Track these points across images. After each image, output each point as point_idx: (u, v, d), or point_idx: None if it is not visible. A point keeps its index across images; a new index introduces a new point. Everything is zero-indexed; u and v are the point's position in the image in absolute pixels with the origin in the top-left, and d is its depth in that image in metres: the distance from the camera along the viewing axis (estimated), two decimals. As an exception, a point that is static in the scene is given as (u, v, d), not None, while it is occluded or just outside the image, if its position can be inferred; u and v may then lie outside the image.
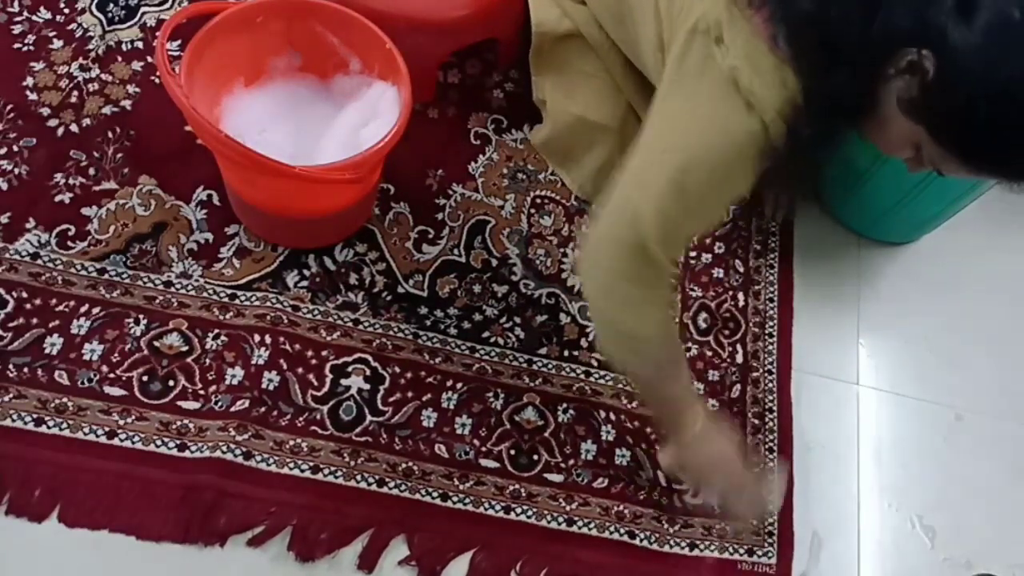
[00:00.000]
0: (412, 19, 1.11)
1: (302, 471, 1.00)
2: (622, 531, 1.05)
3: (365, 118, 1.09)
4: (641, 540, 1.05)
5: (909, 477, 1.17)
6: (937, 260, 1.36)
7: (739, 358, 1.20)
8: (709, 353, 1.20)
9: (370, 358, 1.09)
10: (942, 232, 1.34)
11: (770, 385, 1.19)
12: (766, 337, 1.23)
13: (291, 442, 1.01)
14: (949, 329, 1.30)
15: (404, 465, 1.03)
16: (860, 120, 0.81)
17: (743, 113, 0.80)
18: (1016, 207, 1.41)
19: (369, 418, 1.05)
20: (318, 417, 1.04)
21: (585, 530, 1.04)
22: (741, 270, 1.28)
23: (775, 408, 1.17)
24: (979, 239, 1.38)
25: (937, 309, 1.31)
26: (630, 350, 0.90)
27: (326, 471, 1.01)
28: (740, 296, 1.25)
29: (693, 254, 1.27)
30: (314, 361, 1.07)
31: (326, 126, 1.11)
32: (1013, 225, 1.42)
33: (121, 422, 0.99)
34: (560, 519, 1.04)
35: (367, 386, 1.07)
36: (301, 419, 1.03)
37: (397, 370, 1.09)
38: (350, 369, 1.07)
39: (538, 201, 1.26)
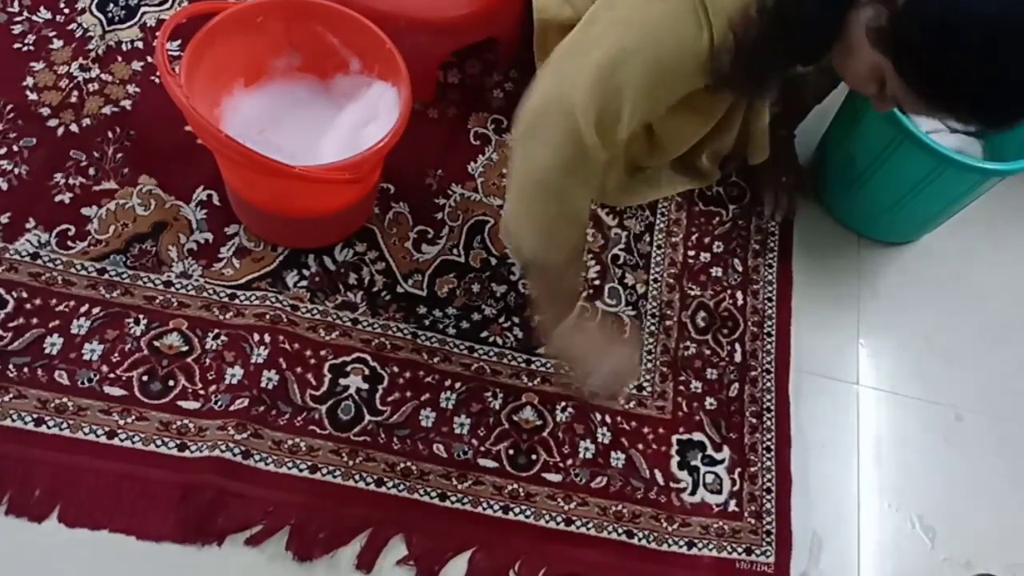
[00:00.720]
0: (412, 19, 1.11)
1: (300, 470, 1.00)
2: (620, 530, 1.05)
3: (365, 118, 1.09)
4: (639, 539, 1.05)
5: (909, 477, 1.17)
6: (937, 260, 1.36)
7: (737, 357, 1.20)
8: (707, 352, 1.20)
9: (369, 358, 1.09)
10: (942, 232, 1.34)
11: (768, 384, 1.19)
12: (764, 336, 1.23)
13: (289, 441, 1.01)
14: (949, 329, 1.30)
15: (402, 465, 1.03)
16: (826, 47, 0.83)
17: (695, 25, 0.82)
18: (1016, 207, 1.41)
19: (368, 418, 1.05)
20: (317, 416, 1.04)
21: (583, 529, 1.04)
22: (740, 269, 1.28)
23: (773, 407, 1.17)
24: (979, 239, 1.38)
25: (937, 309, 1.31)
26: (549, 235, 0.89)
27: (324, 470, 1.01)
28: (739, 295, 1.25)
29: (692, 253, 1.27)
30: (313, 361, 1.07)
31: (326, 126, 1.11)
32: (1013, 225, 1.42)
33: (121, 422, 0.99)
34: (558, 519, 1.04)
35: (366, 386, 1.07)
36: (300, 418, 1.03)
37: (396, 370, 1.09)
38: (349, 369, 1.07)
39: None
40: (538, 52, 1.19)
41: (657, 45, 0.83)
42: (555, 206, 0.87)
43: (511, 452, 1.07)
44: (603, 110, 0.83)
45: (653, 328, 1.20)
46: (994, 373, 1.27)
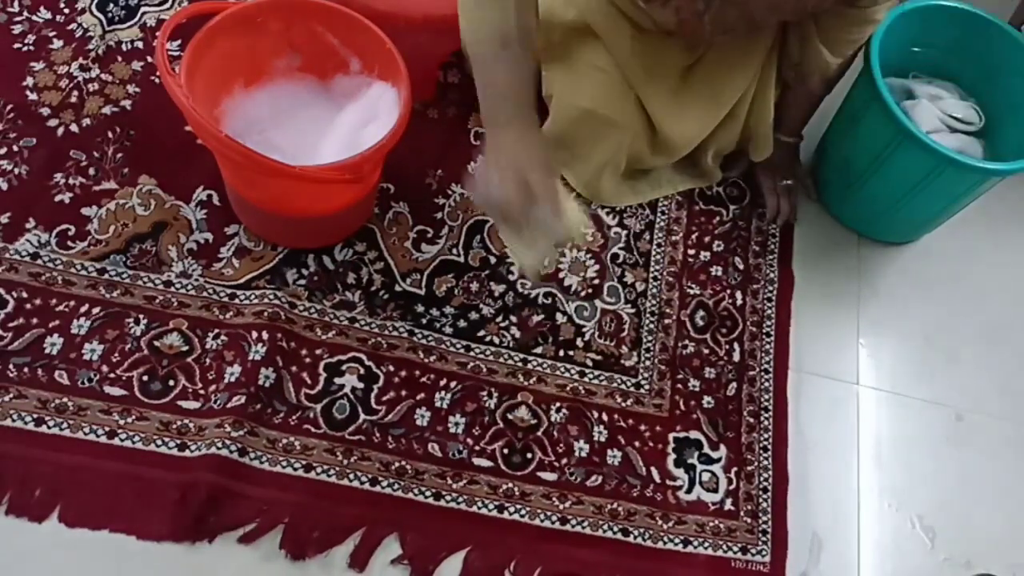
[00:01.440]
0: (411, 18, 1.11)
1: (295, 469, 1.00)
2: (616, 529, 1.05)
3: (365, 118, 1.09)
4: (635, 537, 1.05)
5: (909, 477, 1.17)
6: (937, 259, 1.36)
7: (736, 356, 1.20)
8: (706, 351, 1.20)
9: (364, 357, 1.08)
10: (942, 231, 1.34)
11: (766, 384, 1.19)
12: (763, 336, 1.23)
13: (284, 440, 1.01)
14: (949, 329, 1.30)
15: (397, 464, 1.03)
16: None
17: None
18: (1016, 207, 1.41)
19: (362, 417, 1.05)
20: (311, 415, 1.04)
21: (579, 528, 1.04)
22: (741, 267, 1.28)
23: (771, 407, 1.17)
24: (979, 239, 1.38)
25: (937, 308, 1.31)
26: (476, 6, 0.94)
27: (319, 469, 1.01)
28: (738, 295, 1.25)
29: (692, 252, 1.27)
30: (308, 360, 1.07)
31: (326, 126, 1.11)
32: (1013, 225, 1.42)
33: (121, 422, 0.99)
34: (554, 518, 1.04)
35: (361, 385, 1.07)
36: (294, 417, 1.03)
37: (391, 369, 1.09)
38: (344, 368, 1.07)
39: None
40: (543, 56, 1.19)
41: None
42: None
43: (506, 451, 1.07)
44: None
45: (652, 326, 1.20)
46: (994, 373, 1.27)
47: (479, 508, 1.03)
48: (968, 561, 1.12)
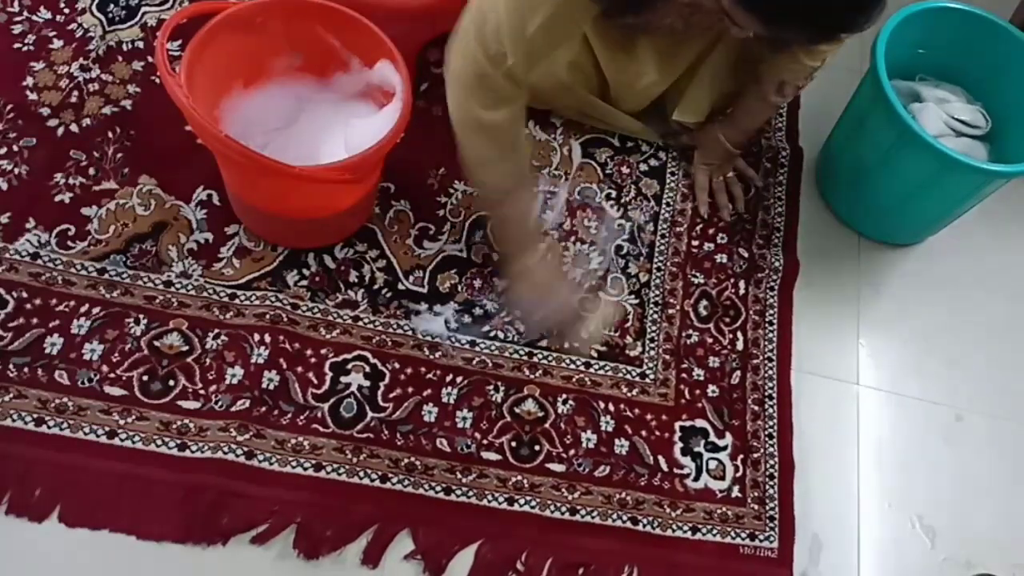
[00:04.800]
0: (389, 8, 1.11)
1: (304, 469, 1.00)
2: (625, 518, 1.05)
3: (365, 118, 1.09)
4: (644, 526, 1.05)
5: (909, 477, 1.17)
6: (938, 260, 1.36)
7: (739, 345, 1.20)
8: (710, 340, 1.20)
9: (369, 355, 1.09)
10: (944, 233, 1.34)
11: (770, 372, 1.19)
12: (766, 325, 1.23)
13: (292, 441, 1.01)
14: (949, 329, 1.30)
15: (406, 460, 1.03)
16: None
17: None
18: (1018, 209, 1.41)
19: (370, 415, 1.05)
20: (319, 415, 1.04)
21: (588, 518, 1.05)
22: (745, 255, 1.28)
23: (774, 395, 1.17)
24: (980, 240, 1.38)
25: (937, 309, 1.31)
26: (483, 164, 1.02)
27: (328, 468, 1.01)
28: (741, 284, 1.25)
29: (696, 243, 1.27)
30: (313, 360, 1.07)
31: (326, 126, 1.11)
32: (1014, 226, 1.42)
33: (121, 422, 0.99)
34: (563, 508, 1.05)
35: (367, 383, 1.07)
36: (302, 417, 1.03)
37: (397, 366, 1.09)
38: (350, 366, 1.08)
39: (540, 197, 1.26)
40: None
41: None
42: (480, 136, 0.98)
43: (514, 444, 1.07)
44: (481, 31, 0.91)
45: (656, 316, 1.20)
46: (994, 373, 1.27)
47: (489, 501, 1.03)
48: (968, 561, 1.12)
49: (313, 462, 1.01)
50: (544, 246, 1.11)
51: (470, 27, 0.92)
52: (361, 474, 1.01)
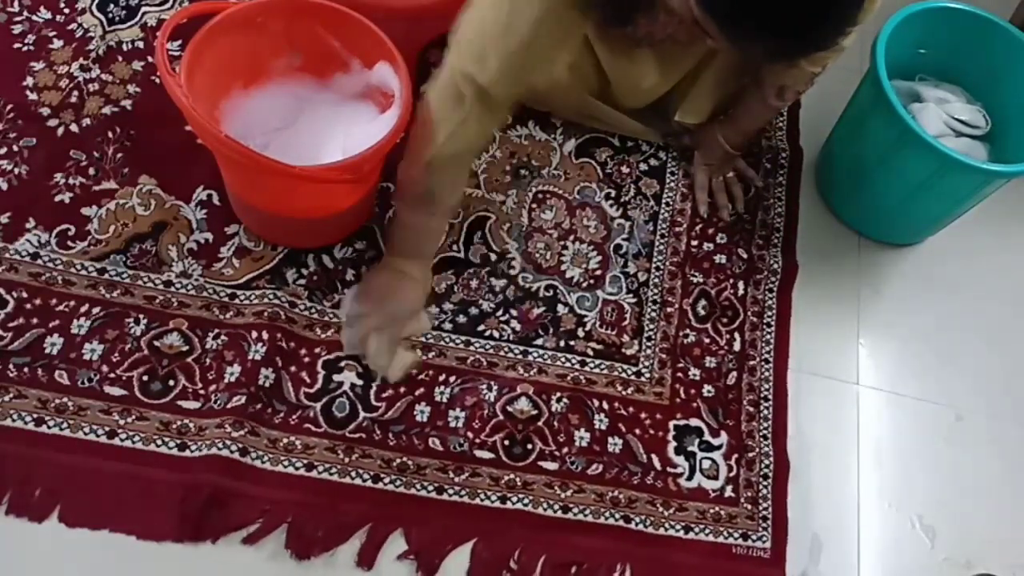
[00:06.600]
0: (389, 8, 1.11)
1: (296, 469, 1.00)
2: (617, 516, 1.05)
3: (365, 118, 1.09)
4: (637, 524, 1.05)
5: (909, 477, 1.17)
6: (938, 260, 1.36)
7: (736, 346, 1.20)
8: (707, 340, 1.20)
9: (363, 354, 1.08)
10: (944, 233, 1.34)
11: (766, 374, 1.19)
12: (764, 327, 1.23)
13: (285, 440, 1.01)
14: (949, 329, 1.30)
15: (399, 460, 1.03)
16: None
17: None
18: (1018, 209, 1.41)
19: (362, 414, 1.05)
20: (311, 414, 1.04)
21: (581, 516, 1.05)
22: (744, 256, 1.28)
23: (770, 396, 1.17)
24: (980, 240, 1.38)
25: (937, 309, 1.31)
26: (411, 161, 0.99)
27: (320, 468, 1.01)
28: (740, 285, 1.25)
29: (695, 243, 1.28)
30: (307, 358, 1.07)
31: (326, 126, 1.11)
32: (1014, 226, 1.42)
33: (121, 422, 0.99)
34: (556, 507, 1.05)
35: (360, 382, 1.07)
36: (294, 417, 1.03)
37: (391, 366, 1.09)
38: (342, 364, 1.07)
39: (540, 196, 1.26)
40: None
41: None
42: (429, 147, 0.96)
43: (507, 443, 1.07)
44: (461, 52, 0.90)
45: (654, 315, 1.20)
46: (994, 373, 1.27)
47: (482, 500, 1.03)
48: (968, 561, 1.12)
49: (305, 462, 1.01)
50: (423, 272, 1.09)
51: (452, 49, 0.92)
52: (353, 474, 1.01)
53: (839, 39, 0.73)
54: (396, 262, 1.07)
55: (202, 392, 1.02)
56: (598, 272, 1.22)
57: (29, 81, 1.18)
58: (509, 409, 1.09)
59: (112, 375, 1.01)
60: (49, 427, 0.97)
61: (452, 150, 0.96)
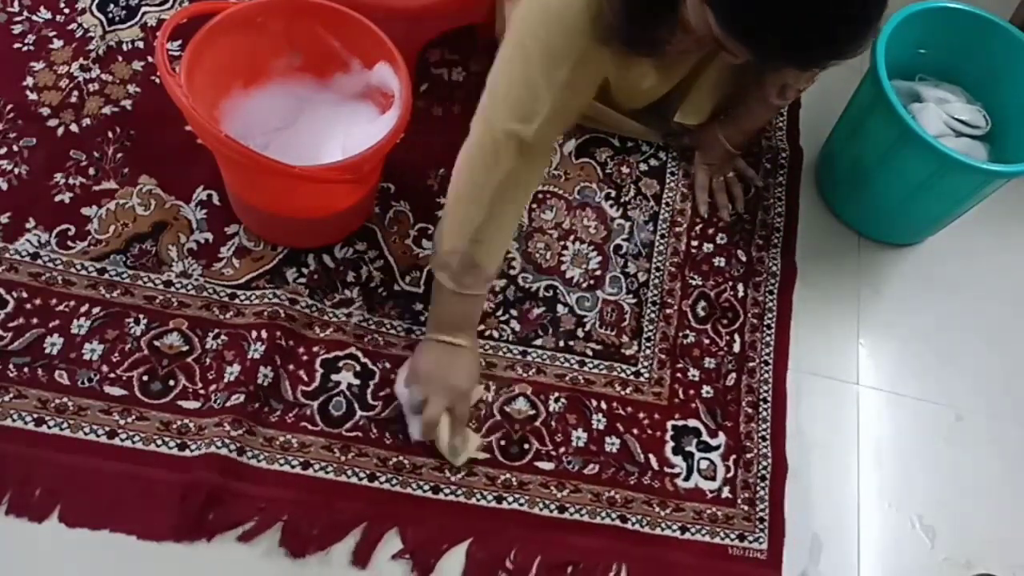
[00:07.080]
0: (389, 8, 1.11)
1: (292, 467, 1.00)
2: (614, 516, 1.05)
3: (365, 118, 1.09)
4: (633, 524, 1.05)
5: (909, 477, 1.17)
6: (938, 260, 1.36)
7: (736, 347, 1.20)
8: (706, 341, 1.20)
9: (360, 354, 1.09)
10: (944, 233, 1.34)
11: (766, 376, 1.19)
12: (764, 328, 1.23)
13: (281, 438, 1.01)
14: (950, 329, 1.30)
15: (395, 459, 1.03)
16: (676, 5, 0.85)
17: None
18: (1018, 210, 1.41)
19: (359, 413, 1.05)
20: (308, 413, 1.04)
21: (577, 516, 1.04)
22: (744, 259, 1.28)
23: (769, 398, 1.17)
24: (980, 240, 1.38)
25: (937, 309, 1.31)
26: (456, 223, 0.97)
27: (317, 467, 1.01)
28: (740, 287, 1.25)
29: (695, 243, 1.28)
30: (305, 357, 1.07)
31: (326, 126, 1.11)
32: (1014, 226, 1.42)
33: (121, 422, 0.99)
34: (552, 506, 1.04)
35: (357, 381, 1.07)
36: (291, 415, 1.03)
37: (388, 365, 1.08)
38: (340, 364, 1.07)
39: (540, 196, 1.26)
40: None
41: (545, 11, 0.89)
42: (474, 206, 0.94)
43: (503, 442, 1.07)
44: (503, 88, 0.91)
45: (653, 316, 1.20)
46: (994, 373, 1.27)
47: (478, 500, 1.03)
48: (968, 561, 1.12)
49: (301, 460, 1.01)
50: (472, 340, 1.04)
51: (488, 112, 0.93)
52: (349, 473, 1.01)
53: (864, 45, 0.75)
54: (444, 336, 1.02)
55: (202, 392, 1.02)
56: (598, 272, 1.22)
57: (29, 81, 1.18)
58: (506, 409, 1.09)
59: (112, 375, 1.01)
60: (49, 427, 0.97)
61: (499, 211, 0.95)
